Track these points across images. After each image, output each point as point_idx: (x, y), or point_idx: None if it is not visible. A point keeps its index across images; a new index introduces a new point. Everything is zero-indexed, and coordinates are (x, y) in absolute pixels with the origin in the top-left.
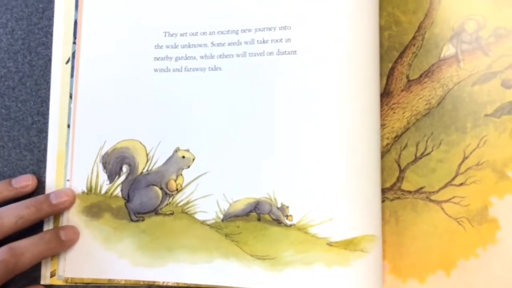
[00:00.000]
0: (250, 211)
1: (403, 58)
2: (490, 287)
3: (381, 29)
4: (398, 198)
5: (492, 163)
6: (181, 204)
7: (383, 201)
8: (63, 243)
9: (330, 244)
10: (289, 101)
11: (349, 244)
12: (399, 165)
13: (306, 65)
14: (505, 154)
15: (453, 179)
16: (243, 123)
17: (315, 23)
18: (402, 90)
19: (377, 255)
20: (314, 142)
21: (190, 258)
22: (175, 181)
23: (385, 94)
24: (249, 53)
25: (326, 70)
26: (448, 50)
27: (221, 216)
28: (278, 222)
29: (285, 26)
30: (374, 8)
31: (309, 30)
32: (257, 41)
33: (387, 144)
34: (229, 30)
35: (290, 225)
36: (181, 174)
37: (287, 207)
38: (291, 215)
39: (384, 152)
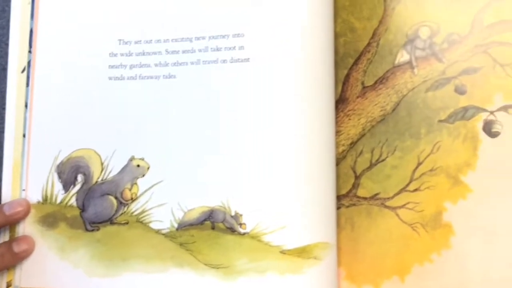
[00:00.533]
0: (205, 220)
1: (358, 64)
2: None
3: (337, 35)
4: (354, 204)
5: (446, 169)
6: (136, 213)
7: (339, 208)
8: (16, 256)
9: (283, 252)
10: (242, 109)
11: (302, 252)
12: (354, 172)
13: (259, 73)
14: (459, 160)
15: (408, 185)
16: (197, 131)
17: (268, 31)
18: (357, 97)
19: (331, 262)
20: (267, 150)
21: (145, 268)
22: (130, 190)
23: (341, 101)
24: (203, 61)
25: (279, 77)
26: (402, 56)
27: (176, 225)
28: (232, 230)
29: (238, 34)
30: (329, 15)
31: (262, 37)
32: (211, 48)
33: (343, 150)
34: (183, 38)
35: (244, 234)
36: (136, 183)
37: (241, 215)
38: (244, 223)
39: (340, 159)
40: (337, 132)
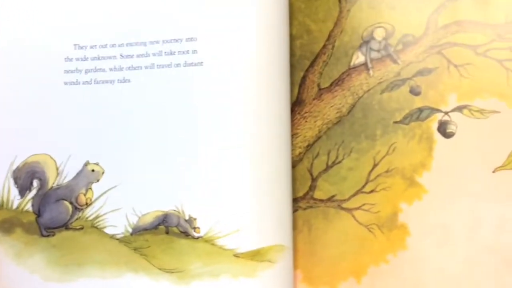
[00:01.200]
0: (159, 224)
1: (314, 66)
2: None
3: (293, 38)
4: (311, 207)
5: (401, 170)
6: (91, 218)
7: (296, 210)
8: None
9: (236, 255)
10: (196, 112)
11: (256, 255)
12: (311, 174)
13: (213, 76)
14: (414, 160)
15: (364, 186)
16: (151, 136)
17: (222, 34)
18: (313, 99)
19: (286, 265)
20: (221, 154)
21: (101, 273)
22: (85, 195)
23: (297, 103)
24: (157, 65)
25: (233, 80)
26: (358, 58)
27: (130, 230)
28: (186, 234)
29: (192, 38)
30: (284, 18)
31: (215, 41)
32: (165, 52)
33: (300, 153)
34: (137, 42)
35: (198, 237)
36: (91, 188)
37: (195, 219)
38: (198, 227)
39: (297, 161)
40: (294, 135)
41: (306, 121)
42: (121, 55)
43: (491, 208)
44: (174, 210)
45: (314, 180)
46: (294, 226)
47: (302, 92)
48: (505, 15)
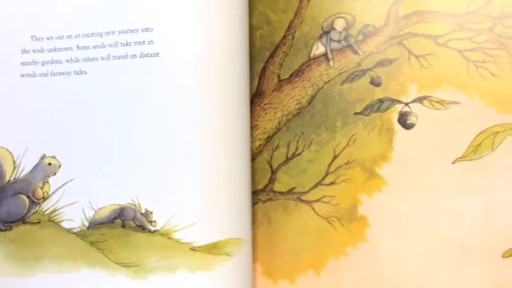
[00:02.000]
0: (115, 218)
1: (274, 57)
2: (359, 285)
3: (253, 28)
4: (270, 199)
5: (361, 161)
6: (47, 212)
7: (256, 203)
8: None
9: (193, 249)
10: (152, 104)
11: (213, 248)
12: (271, 166)
13: (169, 68)
14: (374, 152)
15: (323, 178)
16: (107, 128)
17: (178, 24)
18: (273, 90)
19: (245, 258)
20: (178, 146)
21: (58, 268)
22: (42, 188)
23: (257, 95)
24: (113, 56)
25: (190, 72)
26: (318, 48)
27: (87, 224)
28: (142, 228)
29: (147, 28)
30: (244, 8)
31: (172, 31)
32: (121, 43)
33: (260, 145)
34: (93, 33)
35: (154, 231)
36: (48, 182)
37: (151, 212)
38: (155, 221)
39: (257, 154)
40: (254, 127)
41: (266, 113)
42: (78, 47)
43: (450, 199)
44: (131, 204)
45: (274, 172)
46: (254, 219)
47: (262, 83)
48: (466, 4)
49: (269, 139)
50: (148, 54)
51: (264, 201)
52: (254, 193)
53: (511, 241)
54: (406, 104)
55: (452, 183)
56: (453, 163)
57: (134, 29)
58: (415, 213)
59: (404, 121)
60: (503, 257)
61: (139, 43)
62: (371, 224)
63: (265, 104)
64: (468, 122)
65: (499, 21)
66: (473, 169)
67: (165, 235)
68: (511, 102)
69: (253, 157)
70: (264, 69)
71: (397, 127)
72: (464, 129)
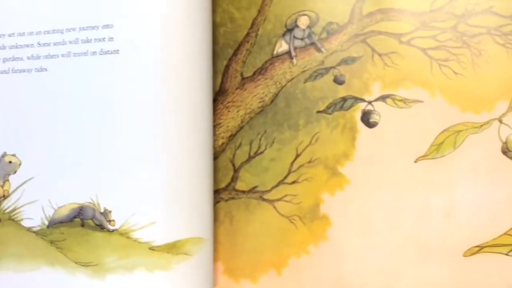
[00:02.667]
0: (74, 217)
1: (237, 55)
2: (320, 284)
3: (216, 25)
4: (233, 198)
5: (324, 160)
6: (8, 211)
7: (218, 201)
8: None
9: (152, 248)
10: (112, 102)
11: (172, 248)
12: (233, 165)
13: (129, 65)
14: (337, 151)
15: (286, 177)
16: (67, 126)
17: (139, 21)
18: (236, 88)
19: (205, 258)
20: (137, 145)
21: (18, 267)
22: (2, 187)
23: (221, 93)
24: (74, 53)
25: (151, 69)
26: (281, 46)
27: (46, 223)
28: (101, 227)
29: (108, 25)
30: (206, 5)
31: (132, 28)
32: (81, 40)
33: (223, 143)
34: (54, 30)
35: (113, 230)
36: (8, 180)
37: (110, 211)
38: (113, 220)
39: (220, 152)
40: (217, 125)
41: (229, 111)
42: (39, 43)
43: (412, 198)
44: (90, 203)
45: (236, 171)
46: (216, 218)
47: (225, 81)
48: (429, 3)
49: (232, 137)
50: (108, 51)
51: (227, 200)
52: (217, 191)
53: (472, 240)
54: (369, 102)
55: (414, 181)
56: (415, 161)
57: (95, 26)
58: (377, 212)
59: (367, 119)
60: (464, 256)
61: (99, 40)
62: (333, 222)
63: (228, 102)
64: (431, 121)
65: (463, 19)
66: (435, 167)
67: (123, 234)
68: (473, 100)
69: (216, 156)
70: (227, 67)
71: (360, 125)
72: (427, 127)
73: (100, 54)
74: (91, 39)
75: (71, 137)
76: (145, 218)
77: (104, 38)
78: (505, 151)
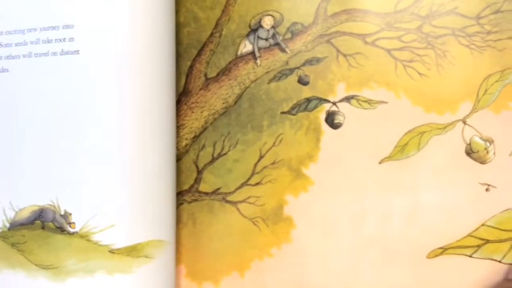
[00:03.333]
0: (35, 219)
1: (201, 56)
2: (283, 286)
3: (180, 26)
4: (196, 200)
5: (288, 161)
6: None
7: (181, 203)
8: None
9: (112, 251)
10: (73, 103)
11: (132, 251)
12: (197, 166)
13: (89, 65)
14: (301, 152)
15: (249, 179)
16: (28, 127)
17: (100, 21)
18: (200, 89)
19: (166, 260)
20: (98, 146)
21: None
22: None
23: (184, 94)
24: (35, 54)
25: (112, 70)
26: (245, 47)
27: (8, 225)
28: (61, 230)
29: (68, 25)
30: (170, 4)
31: (93, 28)
32: (42, 40)
33: (186, 145)
34: (16, 30)
35: (73, 233)
36: None
37: (70, 214)
38: (73, 223)
39: (183, 153)
40: (180, 126)
41: (192, 112)
42: (0, 44)
43: (376, 199)
44: (50, 205)
45: (199, 172)
46: (179, 220)
47: (189, 82)
48: (394, 3)
49: (195, 138)
50: (68, 51)
51: (190, 202)
52: (180, 193)
53: (436, 242)
54: (334, 103)
55: (379, 183)
56: (379, 163)
57: (55, 26)
58: (341, 213)
59: (331, 120)
60: (428, 258)
61: (60, 40)
62: (296, 224)
63: (192, 103)
64: (395, 122)
65: (427, 20)
66: (399, 169)
67: (84, 237)
68: (438, 101)
69: (180, 157)
70: (191, 67)
71: (324, 126)
72: (391, 128)
73: (61, 55)
74: (52, 40)
75: (31, 139)
76: (105, 221)
77: (65, 38)
78: (469, 153)
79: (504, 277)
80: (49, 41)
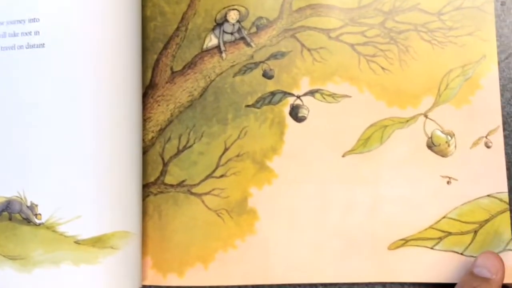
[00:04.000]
0: (2, 211)
1: (167, 49)
2: (247, 277)
3: (147, 20)
4: (162, 192)
5: (252, 154)
6: None
7: (147, 195)
8: None
9: (77, 242)
10: (39, 96)
11: (98, 242)
12: (163, 159)
13: (55, 59)
14: (265, 145)
15: (214, 171)
16: None
17: (65, 15)
18: (166, 82)
19: (132, 252)
20: (64, 138)
21: None
22: None
23: (151, 87)
24: (2, 47)
25: (77, 63)
26: (211, 41)
27: None
28: (28, 221)
29: (34, 19)
30: None
31: (58, 22)
32: (8, 34)
33: (152, 137)
34: None
35: (39, 224)
36: None
37: (36, 205)
38: (40, 214)
39: (149, 146)
40: (147, 119)
41: (158, 105)
42: None
43: (339, 192)
44: (17, 196)
45: (165, 165)
46: (145, 212)
47: (155, 75)
48: None
49: (161, 131)
50: (34, 45)
51: (155, 194)
52: (146, 185)
53: (397, 233)
54: (298, 97)
55: (342, 176)
56: (343, 156)
57: (21, 20)
58: (305, 206)
59: (295, 114)
60: (389, 249)
61: (26, 33)
62: (260, 216)
63: (158, 96)
64: (358, 116)
65: (390, 16)
66: (362, 162)
67: (50, 228)
68: (400, 96)
69: (146, 150)
70: (157, 61)
71: (289, 120)
72: (354, 122)
73: (27, 48)
74: (18, 33)
75: None
76: (71, 212)
77: (31, 32)
78: (430, 146)
79: (469, 271)
80: (15, 35)
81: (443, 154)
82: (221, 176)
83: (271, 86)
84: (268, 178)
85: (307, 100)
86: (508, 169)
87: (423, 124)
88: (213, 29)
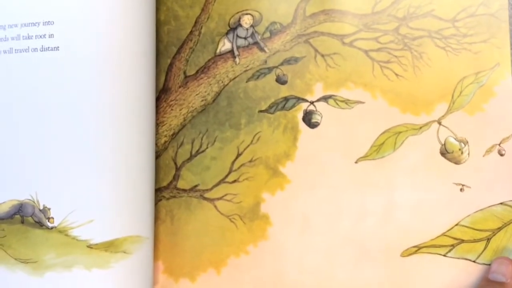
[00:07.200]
0: (14, 214)
1: (180, 53)
2: (259, 283)
3: (161, 24)
4: (174, 196)
5: (265, 160)
6: None
7: (160, 200)
8: None
9: (90, 246)
10: (53, 99)
11: (110, 246)
12: (175, 163)
13: (69, 62)
14: (278, 150)
15: (226, 176)
16: (8, 123)
17: (80, 18)
18: (179, 87)
19: (144, 256)
20: (77, 142)
21: None
22: None
23: (164, 91)
24: (15, 49)
25: (92, 67)
26: (224, 45)
27: None
28: (40, 224)
29: (49, 21)
30: (150, 2)
31: (73, 25)
32: (23, 36)
33: (165, 142)
34: None
35: (52, 228)
36: None
37: (49, 209)
38: (52, 217)
39: (162, 150)
40: (160, 123)
41: (171, 109)
42: None
43: (352, 198)
44: (29, 200)
45: (178, 169)
46: (157, 217)
47: (168, 79)
48: (372, 5)
49: (174, 136)
50: (48, 47)
51: (168, 198)
52: (158, 190)
53: (410, 240)
54: (311, 102)
55: (355, 182)
56: (356, 162)
57: (36, 22)
58: (317, 212)
59: (308, 119)
60: (402, 256)
61: (40, 36)
62: (273, 222)
63: (171, 101)
64: (372, 122)
65: (404, 22)
66: (375, 168)
67: (62, 232)
68: (413, 102)
69: (159, 154)
70: (170, 65)
71: (302, 125)
72: (368, 128)
73: (41, 51)
74: (32, 36)
75: (11, 134)
76: (84, 216)
77: (45, 34)
78: (443, 153)
79: (485, 278)
80: (29, 37)
81: (456, 161)
82: (234, 181)
83: (284, 91)
84: (281, 184)
85: (320, 106)
86: None
87: (436, 131)
88: (226, 34)
